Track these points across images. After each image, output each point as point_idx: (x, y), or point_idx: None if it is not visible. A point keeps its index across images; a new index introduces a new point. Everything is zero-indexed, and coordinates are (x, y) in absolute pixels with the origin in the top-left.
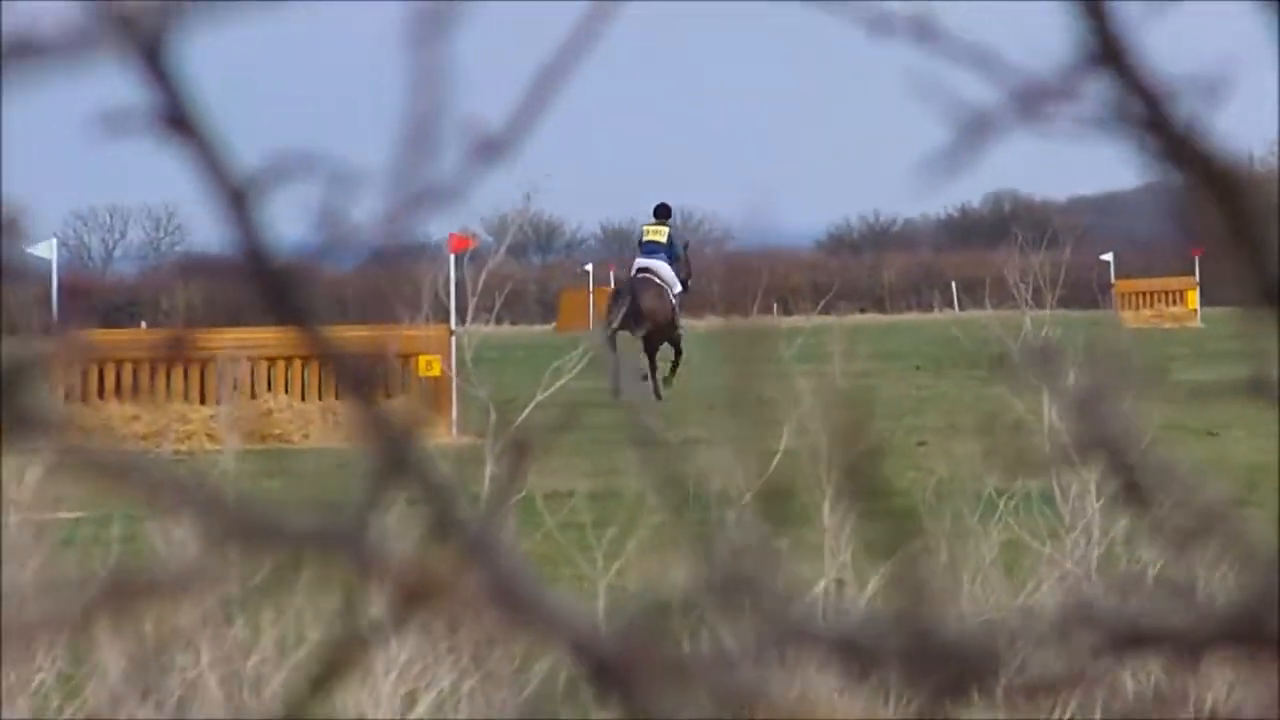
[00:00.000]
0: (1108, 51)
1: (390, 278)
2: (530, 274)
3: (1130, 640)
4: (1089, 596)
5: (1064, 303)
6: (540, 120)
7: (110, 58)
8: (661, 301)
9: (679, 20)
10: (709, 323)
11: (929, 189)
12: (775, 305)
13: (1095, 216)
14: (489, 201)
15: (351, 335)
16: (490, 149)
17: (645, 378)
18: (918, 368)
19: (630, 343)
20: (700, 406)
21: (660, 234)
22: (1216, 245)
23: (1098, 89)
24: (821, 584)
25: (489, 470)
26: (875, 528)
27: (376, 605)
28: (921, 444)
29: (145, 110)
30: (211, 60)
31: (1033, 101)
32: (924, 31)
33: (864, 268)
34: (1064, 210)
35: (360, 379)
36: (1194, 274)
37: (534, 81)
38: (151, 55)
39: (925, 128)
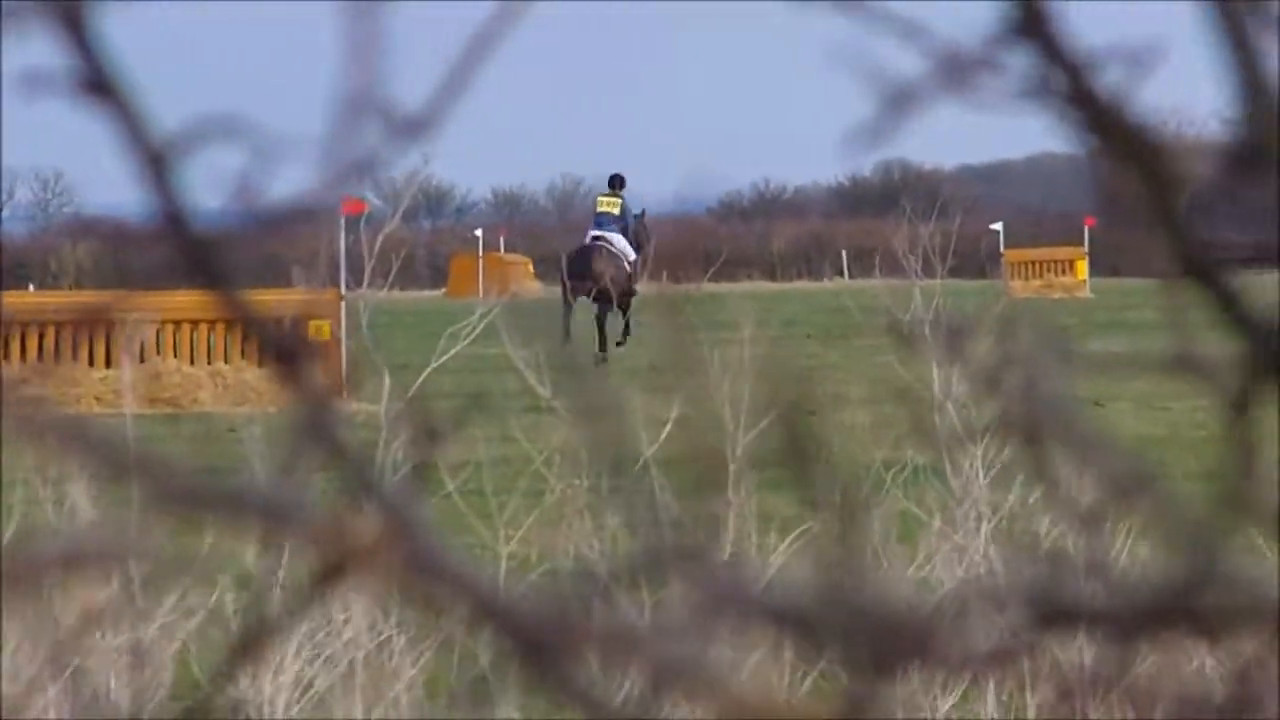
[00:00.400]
0: (1031, 22)
1: (282, 240)
2: (420, 238)
3: (1064, 618)
4: (1018, 571)
5: (954, 272)
6: (462, 96)
7: (30, 19)
8: (614, 268)
9: None
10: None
11: (853, 159)
12: (665, 272)
13: (984, 185)
14: (364, 161)
15: (250, 300)
16: (414, 124)
17: (596, 342)
18: (808, 336)
19: (584, 307)
20: (628, 373)
21: (614, 205)
22: (1135, 216)
23: (1021, 59)
24: (726, 552)
25: (384, 436)
26: (797, 496)
27: (297, 572)
28: (810, 413)
29: (65, 72)
30: (138, 25)
31: (956, 72)
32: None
33: (754, 235)
34: (953, 179)
35: (281, 345)
36: (1083, 244)
37: (458, 56)
38: (73, 20)
39: (818, 94)
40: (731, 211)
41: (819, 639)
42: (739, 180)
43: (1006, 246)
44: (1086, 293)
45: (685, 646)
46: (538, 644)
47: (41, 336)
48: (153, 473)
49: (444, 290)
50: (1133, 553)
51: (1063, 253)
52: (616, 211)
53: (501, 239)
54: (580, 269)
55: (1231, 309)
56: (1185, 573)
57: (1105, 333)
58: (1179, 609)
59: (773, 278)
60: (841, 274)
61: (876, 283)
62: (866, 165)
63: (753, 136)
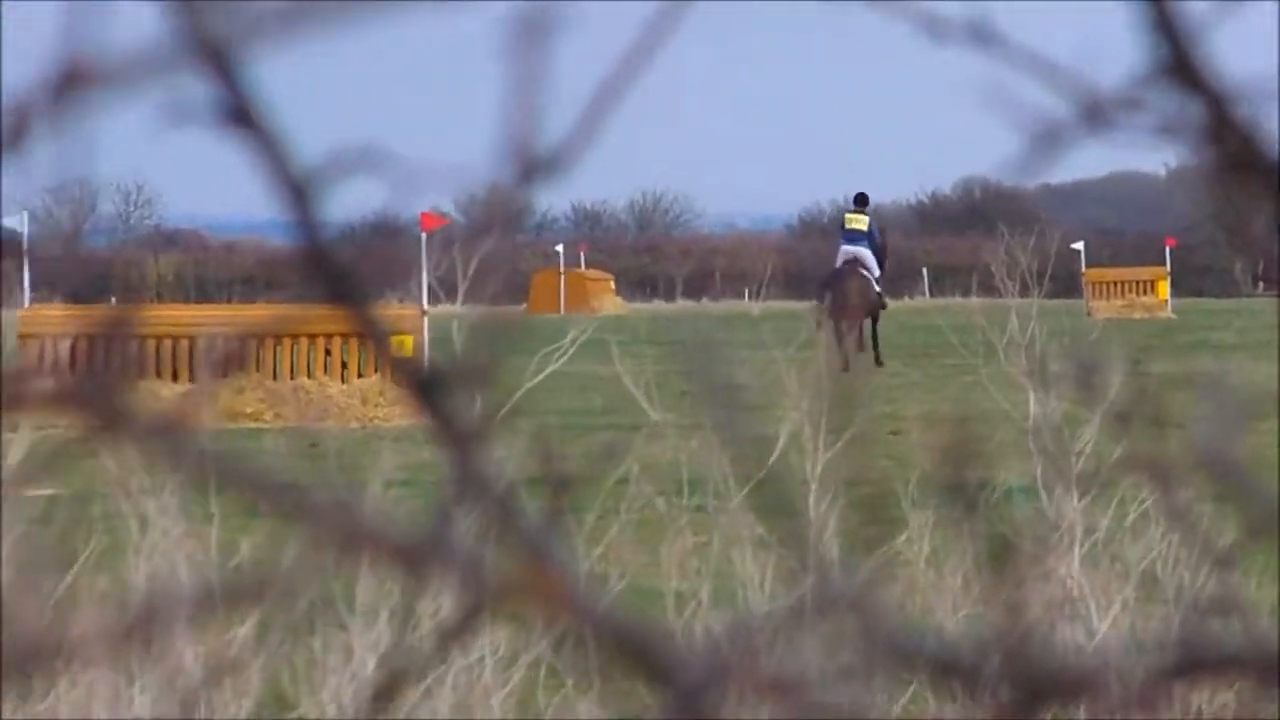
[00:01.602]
0: (1176, 59)
1: (367, 255)
2: (501, 254)
3: (1208, 664)
4: (1156, 616)
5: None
6: (599, 135)
7: (178, 57)
8: (865, 285)
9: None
10: (680, 306)
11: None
12: (746, 290)
13: (1064, 204)
14: (460, 180)
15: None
16: (550, 163)
17: (846, 356)
18: (891, 356)
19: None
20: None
21: (861, 222)
22: (1266, 244)
23: (1162, 97)
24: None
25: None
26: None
27: (446, 608)
28: (894, 433)
29: (210, 104)
30: (282, 60)
31: (1099, 110)
32: (982, 36)
33: (832, 252)
34: (1034, 198)
35: (428, 381)
36: (1164, 264)
37: (593, 98)
38: (218, 54)
39: (897, 114)
40: (811, 230)
41: (980, 685)
42: (819, 197)
43: (1087, 266)
44: (1169, 313)
45: (851, 693)
46: (693, 692)
47: (122, 349)
48: (326, 510)
49: (524, 306)
50: (1260, 592)
51: (1145, 273)
52: (864, 228)
53: (582, 255)
54: (837, 290)
55: None
56: None
57: (1189, 353)
58: None
59: None
60: (924, 292)
61: (961, 301)
62: (946, 183)
63: (832, 152)
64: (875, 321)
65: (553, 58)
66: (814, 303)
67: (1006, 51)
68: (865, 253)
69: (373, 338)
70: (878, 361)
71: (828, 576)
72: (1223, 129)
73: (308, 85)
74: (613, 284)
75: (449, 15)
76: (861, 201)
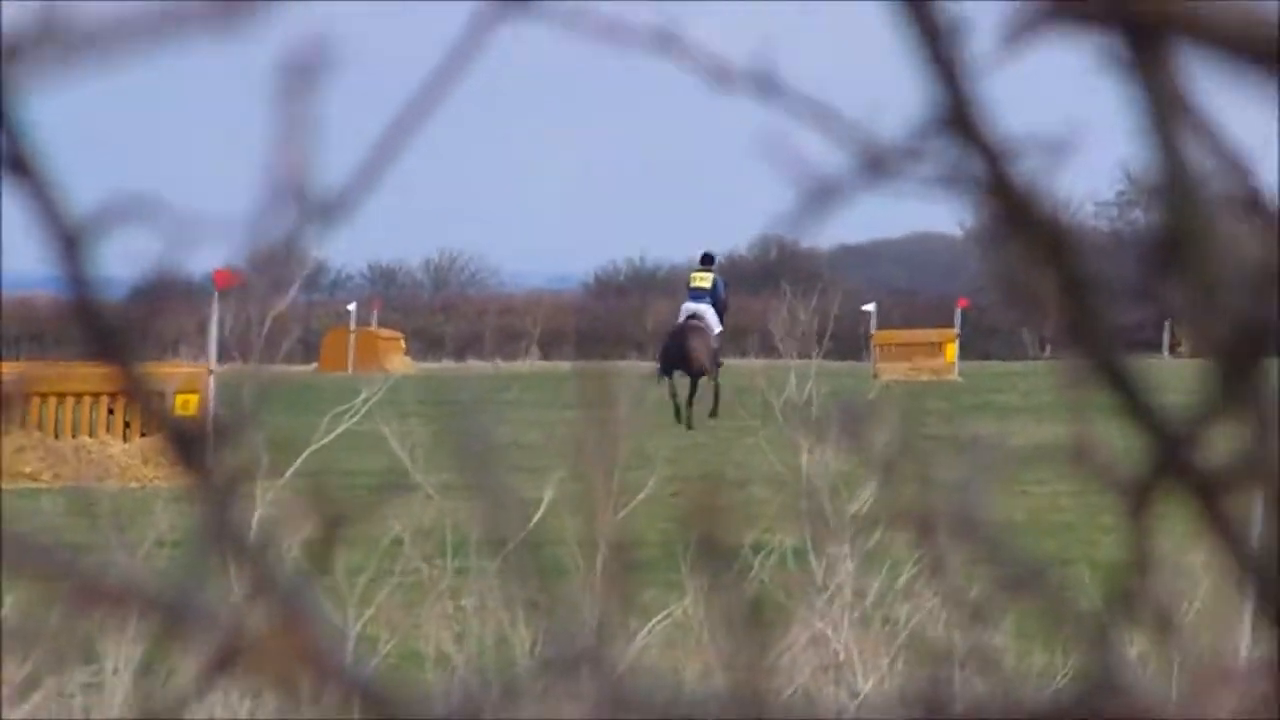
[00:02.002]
0: (954, 112)
1: (152, 312)
2: (294, 312)
3: None
4: (907, 672)
5: (825, 353)
6: (382, 179)
7: None
8: (706, 344)
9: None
10: (473, 366)
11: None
12: (540, 349)
13: (861, 265)
14: (278, 243)
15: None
16: (332, 207)
17: (678, 411)
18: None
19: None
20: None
21: (706, 280)
22: (1048, 303)
23: (941, 149)
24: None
25: (259, 512)
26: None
27: (193, 662)
28: (674, 494)
29: None
30: (54, 104)
31: (877, 162)
32: (766, 87)
33: (630, 312)
34: (829, 258)
35: (186, 435)
36: (954, 326)
37: (378, 142)
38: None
39: (690, 171)
40: (607, 288)
41: None
42: (614, 255)
43: (880, 327)
44: (955, 375)
45: None
46: None
47: None
48: (35, 556)
49: (315, 365)
50: (1018, 648)
51: (933, 335)
52: (708, 286)
53: (375, 314)
54: (678, 348)
55: (1131, 399)
56: (1081, 677)
57: (972, 415)
58: (1076, 715)
59: (645, 355)
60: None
61: (749, 362)
62: (742, 244)
63: (628, 213)
64: (714, 377)
65: (324, 102)
66: (657, 360)
67: (789, 102)
68: (707, 309)
69: (137, 396)
70: (713, 414)
71: (573, 637)
72: (999, 184)
73: (83, 131)
74: (403, 343)
75: (227, 57)
76: (707, 261)
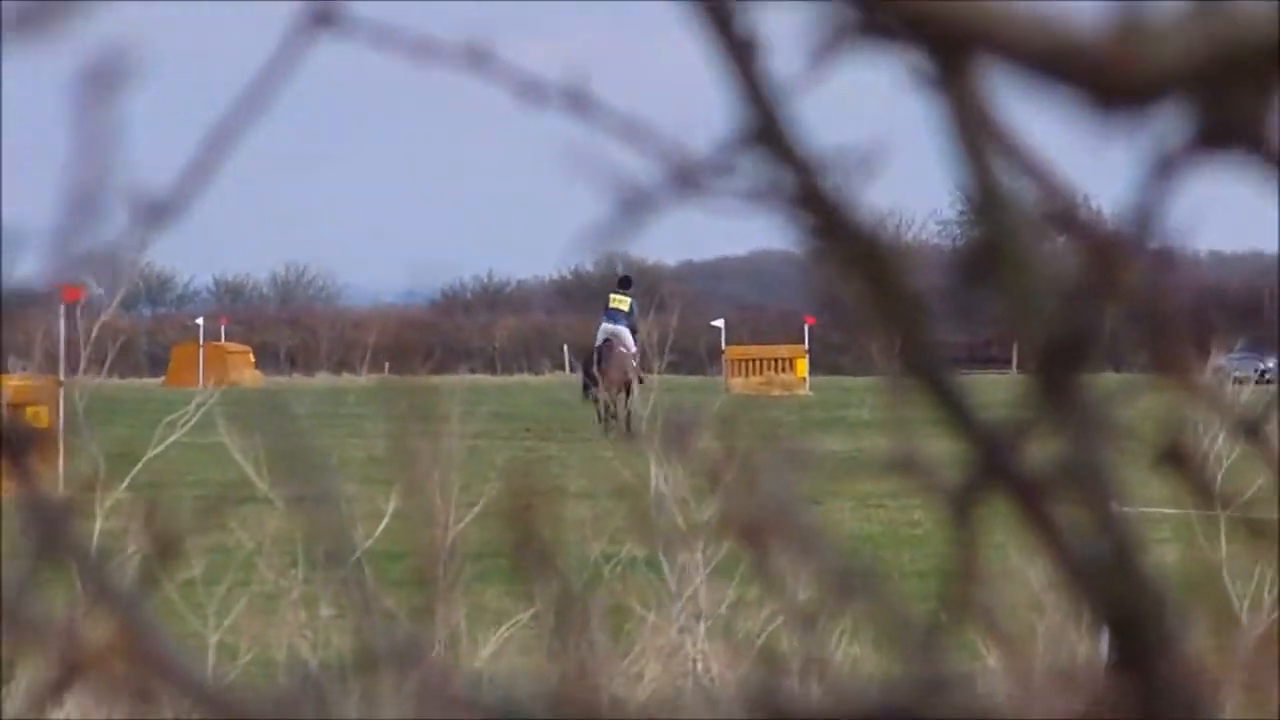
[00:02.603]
0: (765, 126)
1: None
2: (140, 326)
3: None
4: (737, 672)
5: (673, 368)
6: (209, 182)
7: None
8: (622, 362)
9: (310, 77)
10: (321, 380)
11: (580, 256)
12: (386, 364)
13: (706, 281)
14: (100, 250)
15: None
16: (157, 212)
17: (601, 420)
18: (527, 430)
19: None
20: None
21: (623, 302)
22: (857, 317)
23: (752, 163)
24: (438, 646)
25: (99, 525)
26: (512, 589)
27: (34, 674)
28: (526, 507)
29: None
30: None
31: (688, 175)
32: (577, 102)
33: (476, 327)
34: (675, 275)
35: (15, 442)
36: (804, 342)
37: (204, 144)
38: None
39: (541, 191)
40: (455, 303)
41: None
42: (462, 272)
43: (728, 343)
44: (806, 390)
45: None
46: None
47: None
48: None
49: (163, 379)
50: (849, 652)
51: (783, 350)
52: (626, 308)
53: (223, 327)
54: (598, 364)
55: (955, 412)
56: (909, 678)
57: (824, 430)
58: (904, 716)
59: (494, 370)
60: (563, 367)
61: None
62: (589, 260)
63: (476, 230)
64: (629, 394)
65: (133, 107)
66: (582, 376)
67: (601, 117)
68: (624, 330)
69: None
70: (628, 428)
71: (403, 639)
72: (810, 199)
73: None
74: (251, 356)
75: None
76: (625, 284)
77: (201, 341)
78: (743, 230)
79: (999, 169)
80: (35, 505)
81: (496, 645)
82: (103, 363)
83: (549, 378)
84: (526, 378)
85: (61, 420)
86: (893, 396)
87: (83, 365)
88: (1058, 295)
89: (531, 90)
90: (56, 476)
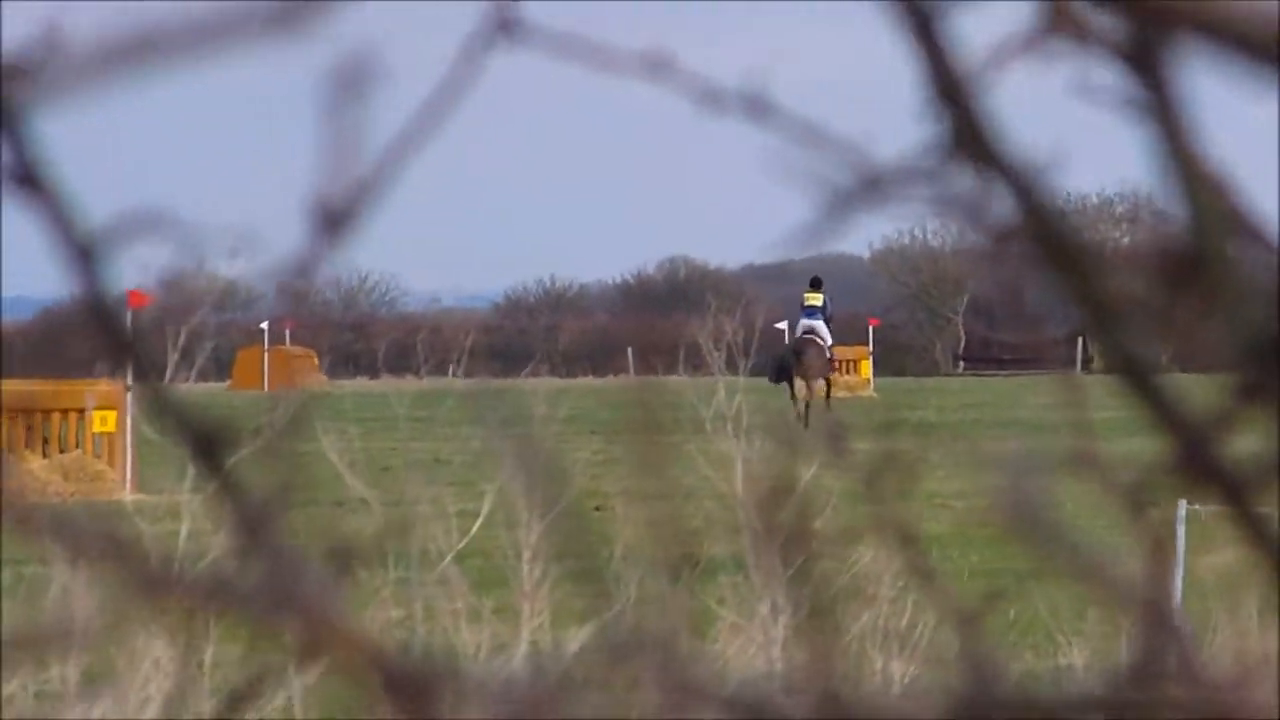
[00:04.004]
0: (970, 135)
1: (69, 330)
2: (207, 331)
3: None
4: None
5: (738, 369)
6: (387, 194)
7: None
8: (820, 352)
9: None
10: (384, 382)
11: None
12: (451, 367)
13: (768, 285)
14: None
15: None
16: (334, 222)
17: (799, 414)
18: (593, 432)
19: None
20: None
21: (817, 299)
22: (1075, 320)
23: (945, 167)
24: (522, 646)
25: (185, 527)
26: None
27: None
28: (598, 509)
29: None
30: (67, 121)
31: (886, 185)
32: (759, 109)
33: (540, 331)
34: (737, 278)
35: (216, 453)
36: (868, 344)
37: (383, 154)
38: (5, 115)
39: (606, 195)
40: (517, 307)
41: None
42: (524, 275)
43: None
44: (871, 391)
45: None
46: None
47: None
48: (133, 557)
49: (227, 383)
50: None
51: (849, 352)
52: (820, 304)
53: (287, 332)
54: (797, 356)
55: (1159, 407)
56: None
57: (889, 431)
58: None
59: (558, 373)
60: (627, 370)
61: (672, 379)
62: (651, 264)
63: (539, 233)
64: (829, 383)
65: (364, 117)
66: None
67: (782, 122)
68: (820, 325)
69: (162, 410)
70: (807, 418)
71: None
72: (1023, 204)
73: (84, 145)
74: (316, 360)
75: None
76: (816, 284)
77: (266, 346)
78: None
79: (1207, 170)
80: (233, 507)
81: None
82: (193, 366)
83: (615, 380)
84: (591, 380)
85: (130, 424)
86: (1071, 395)
87: (169, 370)
88: (1261, 294)
89: (711, 98)
90: (124, 478)
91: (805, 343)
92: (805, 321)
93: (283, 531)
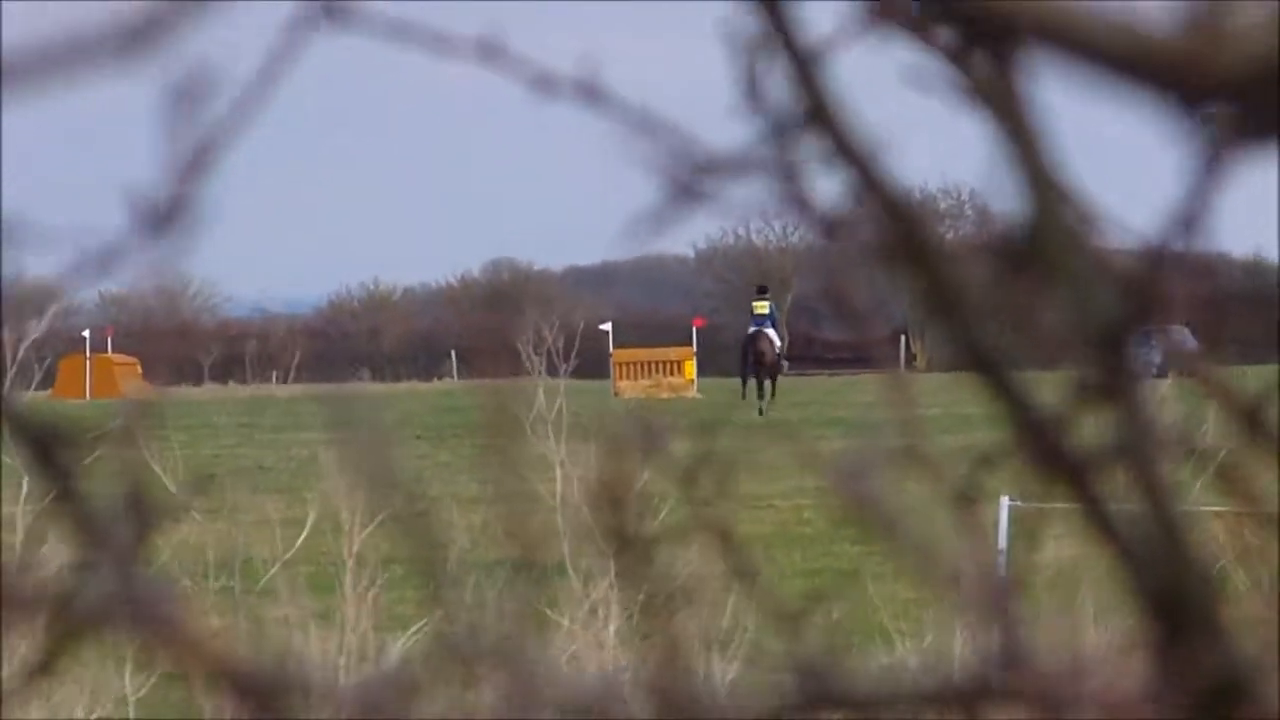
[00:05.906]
0: (818, 112)
1: None
2: (28, 338)
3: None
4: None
5: (569, 372)
6: (204, 189)
7: None
8: (772, 349)
9: None
10: (207, 390)
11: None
12: (275, 374)
13: (592, 287)
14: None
15: None
16: (158, 217)
17: (758, 403)
18: (418, 436)
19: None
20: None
21: (764, 307)
22: (921, 308)
23: (774, 157)
24: (351, 651)
25: (20, 537)
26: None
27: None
28: (421, 514)
29: None
30: None
31: (707, 170)
32: (590, 95)
33: (363, 334)
34: (561, 280)
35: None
36: (692, 344)
37: (198, 144)
38: None
39: (429, 198)
40: (341, 311)
41: None
42: (349, 279)
43: (615, 346)
44: (695, 393)
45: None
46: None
47: None
48: None
49: (49, 391)
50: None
51: (672, 353)
52: (766, 311)
53: (109, 339)
54: (752, 350)
55: (1007, 397)
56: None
57: (714, 431)
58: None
59: (382, 377)
60: (450, 374)
61: (485, 382)
62: (475, 267)
63: (362, 237)
64: (774, 380)
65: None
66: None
67: (617, 110)
68: (769, 329)
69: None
70: (763, 410)
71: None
72: (868, 184)
73: None
74: (139, 368)
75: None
76: (763, 291)
77: (88, 354)
78: (627, 236)
79: (1050, 161)
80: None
81: (402, 650)
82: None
83: (437, 384)
84: (415, 384)
85: None
86: (896, 393)
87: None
88: (1107, 285)
89: (544, 83)
90: None
91: (756, 336)
92: (754, 327)
93: (126, 540)
